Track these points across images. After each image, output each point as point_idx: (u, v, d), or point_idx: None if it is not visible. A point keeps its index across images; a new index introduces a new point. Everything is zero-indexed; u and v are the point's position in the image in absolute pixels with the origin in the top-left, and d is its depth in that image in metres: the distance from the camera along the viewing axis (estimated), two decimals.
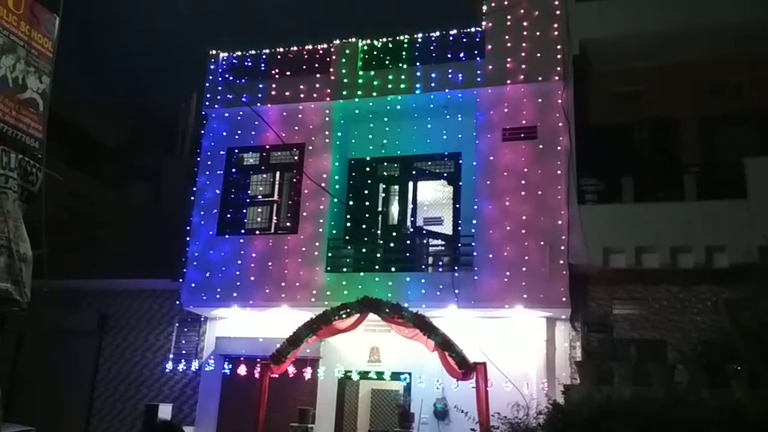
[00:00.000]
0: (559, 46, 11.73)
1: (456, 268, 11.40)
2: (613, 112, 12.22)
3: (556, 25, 11.85)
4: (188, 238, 12.83)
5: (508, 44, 12.01)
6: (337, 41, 13.14)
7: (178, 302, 12.79)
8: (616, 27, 11.62)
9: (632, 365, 9.41)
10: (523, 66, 11.82)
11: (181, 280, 12.67)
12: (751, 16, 10.89)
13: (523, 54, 11.88)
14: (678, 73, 11.96)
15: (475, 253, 11.26)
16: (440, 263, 12.01)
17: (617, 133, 12.08)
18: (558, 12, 11.92)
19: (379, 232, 12.78)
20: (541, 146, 11.40)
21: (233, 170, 13.21)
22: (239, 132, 13.22)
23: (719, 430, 6.84)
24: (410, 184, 12.86)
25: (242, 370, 11.90)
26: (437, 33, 12.61)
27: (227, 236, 12.66)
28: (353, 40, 13.07)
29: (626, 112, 12.19)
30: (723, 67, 11.81)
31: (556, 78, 11.60)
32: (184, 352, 13.25)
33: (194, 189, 13.22)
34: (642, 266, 10.61)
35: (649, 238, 10.51)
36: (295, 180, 12.84)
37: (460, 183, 12.36)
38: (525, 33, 11.98)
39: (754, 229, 9.75)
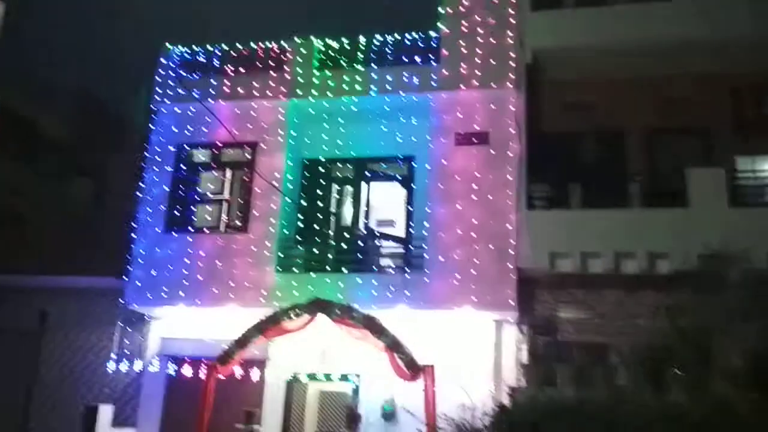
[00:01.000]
0: (512, 54, 11.91)
1: (407, 270, 11.42)
2: (563, 121, 12.46)
3: (510, 34, 12.03)
4: (134, 236, 12.51)
5: (464, 50, 12.12)
6: (293, 40, 13.03)
7: (121, 301, 12.43)
8: (568, 38, 11.90)
9: (576, 368, 9.58)
10: (478, 72, 11.95)
11: (125, 278, 12.33)
12: (695, 35, 11.28)
13: (477, 60, 12.01)
14: (626, 86, 12.31)
15: (426, 256, 11.31)
16: (392, 265, 12.03)
17: (567, 141, 12.34)
18: (513, 21, 12.10)
19: (331, 232, 12.70)
20: (492, 152, 11.54)
21: (183, 167, 12.95)
22: (190, 128, 12.97)
23: (660, 431, 7.00)
24: (363, 186, 12.82)
25: (187, 370, 11.68)
26: (394, 36, 12.65)
27: (175, 234, 12.41)
28: (309, 39, 12.98)
29: (576, 121, 12.41)
30: (669, 81, 12.20)
31: (509, 85, 11.77)
32: (127, 352, 12.87)
33: (141, 185, 12.90)
34: (587, 271, 10.86)
35: (594, 244, 10.77)
36: (246, 179, 12.67)
37: (413, 186, 12.38)
38: (480, 39, 12.12)
39: (694, 237, 10.04)
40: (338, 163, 12.98)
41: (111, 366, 12.79)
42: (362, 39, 12.76)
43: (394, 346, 9.85)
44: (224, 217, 12.66)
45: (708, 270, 9.66)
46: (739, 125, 11.96)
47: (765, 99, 12.02)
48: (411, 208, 12.33)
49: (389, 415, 11.12)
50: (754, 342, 9.90)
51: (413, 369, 9.73)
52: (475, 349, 11.05)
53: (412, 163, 12.53)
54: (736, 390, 8.25)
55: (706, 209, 10.46)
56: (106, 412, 11.85)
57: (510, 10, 12.17)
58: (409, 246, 11.94)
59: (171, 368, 12.27)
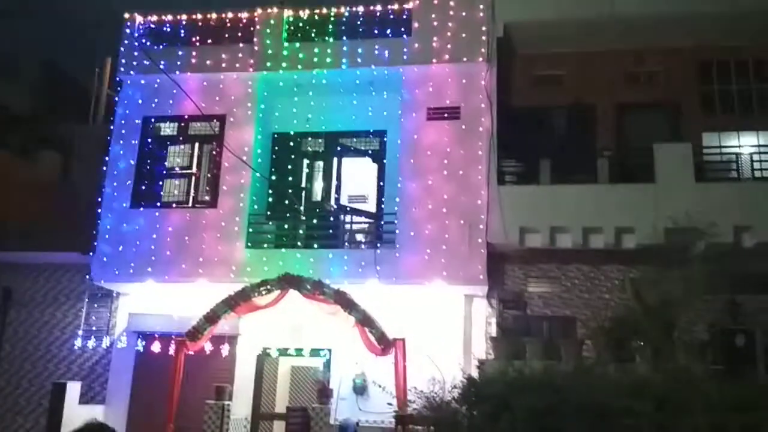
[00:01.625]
0: (484, 28, 11.84)
1: (378, 245, 11.41)
2: (534, 96, 12.49)
3: (481, 7, 11.95)
4: (100, 210, 12.28)
5: (435, 23, 12.01)
6: (261, 11, 12.77)
7: (88, 277, 12.23)
8: (539, 11, 11.87)
9: (544, 341, 9.72)
10: (449, 46, 11.87)
11: (91, 254, 12.12)
12: (666, 7, 11.32)
13: (449, 34, 11.92)
14: (596, 60, 12.35)
15: (397, 231, 11.31)
16: (363, 240, 12.00)
17: (537, 116, 12.39)
18: None
19: (302, 208, 12.62)
20: (463, 126, 11.52)
21: (149, 140, 12.69)
22: (156, 100, 12.69)
23: (624, 401, 7.16)
24: (335, 161, 12.72)
25: (156, 347, 11.58)
26: (365, 8, 12.45)
27: (142, 209, 12.20)
28: (278, 10, 12.72)
29: (547, 96, 12.47)
30: (638, 56, 12.27)
31: (480, 59, 11.71)
32: (94, 328, 12.73)
33: (107, 159, 12.62)
34: (556, 246, 10.95)
35: (563, 219, 10.86)
36: (215, 152, 12.47)
37: (385, 161, 12.33)
38: (451, 13, 12.02)
39: (660, 212, 10.21)
40: (309, 138, 12.84)
41: (78, 343, 12.64)
42: (333, 11, 12.54)
43: (365, 320, 9.87)
44: (193, 191, 12.45)
45: (673, 244, 9.86)
46: (707, 101, 12.09)
47: (732, 74, 12.14)
48: (382, 183, 12.29)
49: (360, 388, 11.20)
50: (717, 315, 10.20)
51: (384, 343, 9.78)
52: (446, 323, 11.14)
53: (384, 137, 12.47)
54: (699, 362, 8.49)
55: (673, 184, 10.60)
56: (74, 389, 11.71)
57: None
58: (380, 221, 11.91)
59: (140, 344, 12.16)
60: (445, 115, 11.66)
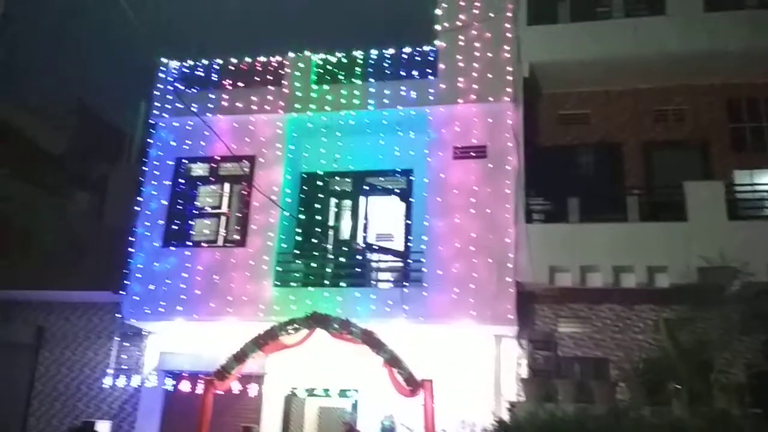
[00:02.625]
0: (509, 68, 11.93)
1: (406, 284, 11.37)
2: (560, 134, 12.50)
3: (507, 48, 12.06)
4: (131, 250, 12.45)
5: (461, 64, 12.15)
6: (291, 54, 13.05)
7: (119, 315, 12.36)
8: (564, 52, 11.94)
9: (575, 383, 9.52)
10: (475, 86, 11.97)
11: (122, 293, 12.26)
12: (692, 46, 11.34)
13: (474, 74, 12.04)
14: (623, 98, 12.37)
15: (424, 270, 11.26)
16: (390, 279, 11.97)
17: (564, 155, 12.35)
18: (509, 35, 12.14)
19: (329, 246, 12.66)
20: (490, 165, 11.53)
21: (181, 181, 12.92)
22: (188, 142, 12.96)
23: None
24: (362, 200, 12.80)
25: (185, 386, 11.59)
26: (391, 50, 12.67)
27: (173, 248, 12.35)
28: (307, 54, 13.01)
29: (573, 134, 12.47)
30: (665, 94, 12.25)
31: (507, 99, 11.79)
32: (124, 367, 12.80)
33: (140, 199, 12.87)
34: (586, 285, 10.80)
35: (593, 258, 10.72)
36: (244, 192, 12.64)
37: (412, 199, 12.37)
38: (477, 54, 12.15)
39: (693, 251, 10.05)
40: (336, 177, 12.97)
41: (108, 381, 12.70)
42: (360, 53, 12.79)
43: (392, 361, 9.75)
44: (222, 230, 12.60)
45: (707, 283, 9.68)
46: (737, 138, 11.97)
47: (762, 112, 12.04)
48: (409, 222, 12.30)
49: (389, 430, 11.01)
50: (755, 356, 9.92)
51: (412, 384, 9.63)
52: (475, 364, 10.99)
53: (410, 176, 12.53)
54: (737, 404, 8.23)
55: (705, 222, 10.44)
56: (103, 429, 11.73)
57: (506, 25, 12.21)
58: (408, 260, 11.89)
59: (168, 383, 12.17)
60: (472, 153, 11.71)
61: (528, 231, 10.99)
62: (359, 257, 12.35)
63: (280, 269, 11.94)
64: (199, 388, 10.75)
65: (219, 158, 12.81)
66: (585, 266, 10.73)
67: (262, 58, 13.16)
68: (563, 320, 11.25)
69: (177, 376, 12.00)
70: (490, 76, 11.95)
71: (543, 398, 8.84)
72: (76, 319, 13.52)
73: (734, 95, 12.07)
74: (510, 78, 11.88)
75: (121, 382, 12.62)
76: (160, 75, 13.54)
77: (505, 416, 9.02)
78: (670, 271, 10.35)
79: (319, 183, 12.86)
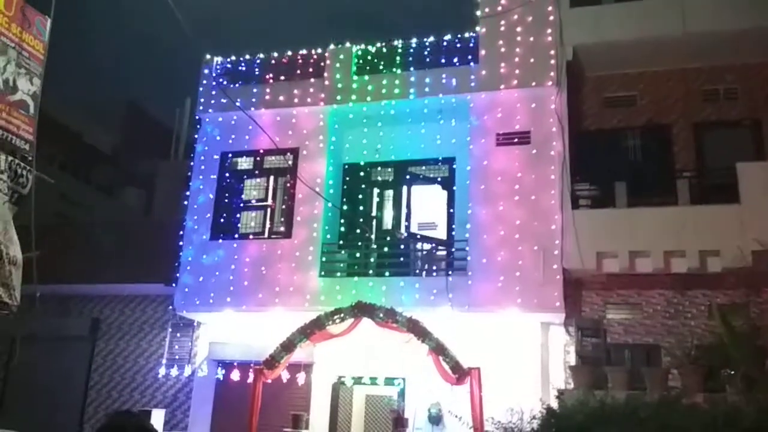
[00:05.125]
0: (552, 52, 11.72)
1: (450, 272, 11.35)
2: (606, 117, 12.23)
3: (549, 31, 11.84)
4: (181, 243, 12.73)
5: (502, 49, 11.99)
6: (331, 46, 13.10)
7: (170, 307, 12.68)
8: (608, 33, 11.64)
9: (626, 370, 9.36)
10: (517, 71, 11.81)
11: (174, 285, 12.56)
12: (743, 24, 10.93)
13: (516, 59, 11.87)
14: (671, 79, 12.02)
15: (469, 258, 11.21)
16: (434, 268, 11.96)
17: (610, 138, 12.08)
18: (551, 18, 11.91)
19: (373, 236, 12.71)
20: (534, 151, 11.38)
21: (227, 174, 13.14)
22: (233, 136, 13.15)
23: None
24: (404, 189, 12.81)
25: (235, 375, 11.78)
26: (431, 38, 12.59)
27: (221, 241, 12.58)
28: (347, 45, 13.04)
29: (619, 117, 12.19)
30: (716, 73, 11.85)
31: (550, 83, 11.60)
32: (177, 357, 13.13)
33: (187, 194, 13.13)
34: (635, 271, 10.60)
35: (642, 243, 10.48)
36: (288, 184, 12.77)
37: (454, 188, 12.32)
38: (519, 38, 11.97)
39: (746, 234, 9.73)
40: (378, 167, 13.00)
41: (162, 371, 13.05)
42: (399, 42, 12.75)
43: (438, 349, 9.75)
44: (268, 222, 12.78)
45: (761, 267, 9.37)
46: None
47: None
48: (452, 210, 12.26)
49: (436, 418, 11.06)
50: None
51: (459, 372, 9.62)
52: (522, 352, 10.89)
53: (453, 164, 12.48)
54: None
55: (759, 205, 10.07)
56: (158, 417, 12.08)
57: (548, 8, 11.98)
58: (452, 248, 11.86)
59: (219, 373, 12.44)
60: (515, 140, 11.57)
61: (574, 217, 10.80)
62: (402, 246, 12.35)
63: (325, 260, 12.05)
64: (250, 377, 10.94)
65: (263, 151, 12.98)
66: (634, 251, 10.49)
67: (303, 51, 13.25)
68: (612, 306, 11.06)
69: (227, 365, 12.23)
70: (532, 60, 11.77)
71: (592, 386, 8.70)
72: (129, 311, 13.92)
73: None
74: (553, 62, 11.67)
75: (174, 371, 12.95)
76: (205, 72, 13.75)
77: (554, 404, 8.91)
78: (722, 255, 10.04)
79: (362, 173, 12.92)
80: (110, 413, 12.17)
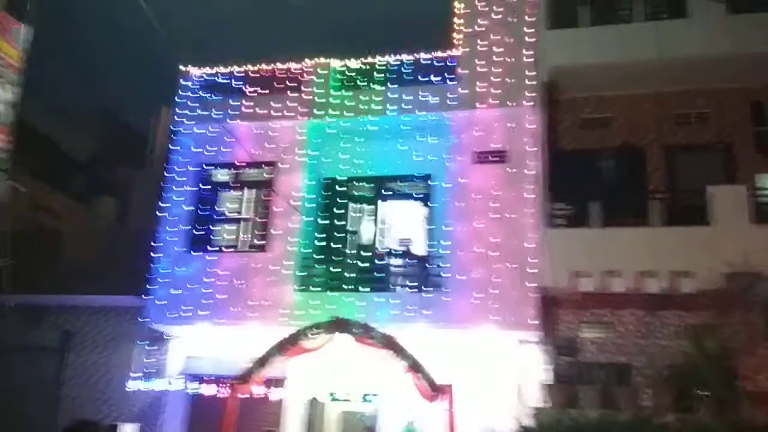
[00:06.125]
0: (530, 72, 11.83)
1: (427, 288, 11.30)
2: (582, 138, 12.37)
3: (527, 52, 11.96)
4: (156, 255, 12.53)
5: (480, 69, 12.07)
6: (311, 61, 13.07)
7: (143, 320, 12.43)
8: (585, 56, 11.82)
9: (599, 389, 9.40)
10: (495, 90, 11.89)
11: (147, 297, 12.34)
12: (715, 49, 11.16)
13: (495, 78, 11.96)
14: (645, 102, 12.21)
15: (445, 274, 11.19)
16: (411, 284, 11.92)
17: (586, 159, 12.19)
18: (529, 39, 12.03)
19: (350, 251, 12.61)
20: (511, 170, 11.45)
21: (204, 186, 13.01)
22: (211, 148, 13.02)
23: None
24: (382, 204, 12.74)
25: (208, 389, 11.62)
26: (411, 56, 12.63)
27: (196, 253, 12.43)
28: (327, 60, 13.01)
29: (595, 138, 12.32)
30: (688, 97, 12.07)
31: (527, 103, 11.69)
32: (149, 370, 12.81)
33: (163, 205, 12.95)
34: (609, 290, 10.67)
35: (616, 263, 10.58)
36: (266, 198, 12.67)
37: (432, 204, 12.29)
38: (497, 58, 12.07)
39: (717, 255, 9.86)
40: (357, 182, 12.91)
41: (133, 385, 12.75)
42: (379, 60, 12.75)
43: (414, 366, 9.71)
44: (244, 235, 12.64)
45: (732, 288, 9.50)
46: (760, 141, 11.75)
47: None
48: (430, 227, 12.23)
49: None
50: None
51: (434, 389, 9.59)
52: (498, 370, 10.88)
53: (430, 181, 12.43)
54: (764, 412, 8.06)
55: (729, 227, 10.25)
56: (130, 431, 11.79)
57: (526, 29, 12.12)
58: (428, 264, 11.84)
59: (192, 387, 12.20)
60: (492, 158, 11.65)
61: (550, 236, 10.87)
62: (379, 262, 12.29)
63: (302, 274, 11.94)
64: (223, 392, 10.77)
65: (241, 164, 12.87)
66: (607, 271, 10.59)
67: (283, 65, 13.19)
68: (586, 325, 11.10)
69: (201, 379, 12.03)
70: (510, 80, 11.87)
71: (567, 404, 8.73)
72: (101, 323, 13.58)
73: (757, 98, 11.84)
74: (531, 82, 11.78)
75: (146, 385, 12.65)
76: (183, 83, 13.63)
77: (529, 422, 8.91)
78: (694, 276, 10.17)
79: (340, 188, 12.83)
80: (70, 422, 11.83)
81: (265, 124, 12.84)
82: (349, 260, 12.36)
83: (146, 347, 12.98)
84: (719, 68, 11.41)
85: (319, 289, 11.90)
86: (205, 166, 13.09)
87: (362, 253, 12.55)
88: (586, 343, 10.96)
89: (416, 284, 11.76)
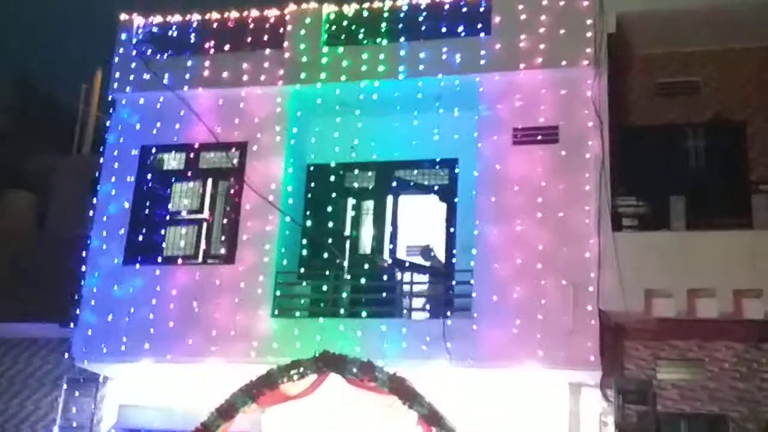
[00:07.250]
0: (589, 21, 11.88)
1: (449, 314, 11.35)
2: (659, 110, 12.42)
3: None
4: (84, 268, 12.65)
5: (523, 16, 12.13)
6: (294, 6, 13.17)
7: (67, 355, 12.52)
8: None
9: None
10: (542, 46, 11.95)
11: (72, 326, 12.45)
12: None
13: (541, 30, 12.01)
14: (746, 60, 12.25)
15: (474, 294, 11.26)
16: (428, 307, 11.94)
17: (665, 138, 12.28)
18: None
19: (345, 263, 12.71)
20: (563, 153, 11.50)
21: (149, 176, 13.14)
22: (158, 125, 13.15)
23: None
24: (389, 200, 12.91)
25: None
26: (428, 0, 12.69)
27: (138, 266, 12.53)
28: (315, 5, 13.11)
29: (677, 111, 12.38)
30: None
31: (586, 63, 11.74)
32: (74, 424, 12.96)
33: (95, 201, 13.07)
34: (696, 316, 10.69)
35: (706, 278, 10.60)
36: (233, 191, 12.78)
37: (456, 200, 12.41)
38: (545, 3, 12.12)
39: None
40: (355, 170, 13.06)
41: None
42: (386, 4, 12.82)
43: (431, 417, 9.76)
44: (204, 242, 12.76)
45: None
46: None
47: None
48: (453, 230, 12.33)
49: None
50: None
51: None
52: (544, 422, 10.91)
53: (455, 168, 12.59)
54: None
55: None
56: None
57: None
58: (452, 281, 11.91)
59: None
60: (538, 137, 11.70)
61: (616, 242, 10.90)
62: (386, 278, 12.35)
63: (280, 294, 12.03)
64: None
65: (199, 146, 12.99)
66: (694, 290, 10.62)
67: (256, 12, 13.27)
68: (664, 363, 11.14)
69: None
70: (562, 32, 11.91)
71: None
72: (11, 361, 13.71)
73: None
74: (590, 35, 11.82)
75: None
76: (121, 37, 13.77)
77: None
78: None
79: (332, 178, 12.94)
80: None
81: (234, 92, 12.95)
82: (344, 275, 12.42)
83: (72, 392, 13.10)
84: None
85: (303, 314, 12.01)
86: (151, 149, 13.21)
87: (362, 265, 12.63)
88: (665, 387, 10.97)
89: (435, 308, 11.83)
